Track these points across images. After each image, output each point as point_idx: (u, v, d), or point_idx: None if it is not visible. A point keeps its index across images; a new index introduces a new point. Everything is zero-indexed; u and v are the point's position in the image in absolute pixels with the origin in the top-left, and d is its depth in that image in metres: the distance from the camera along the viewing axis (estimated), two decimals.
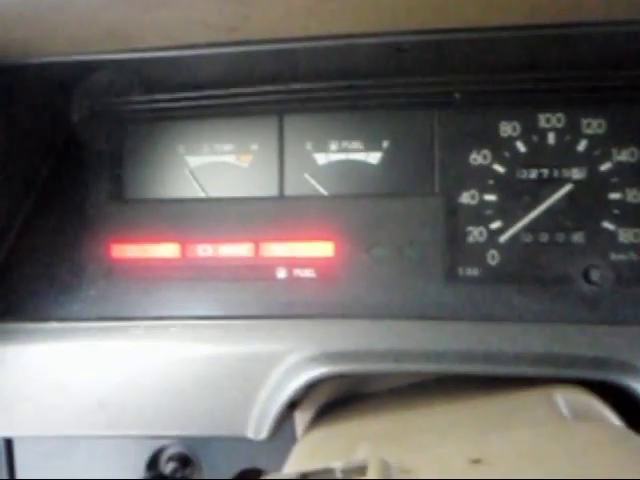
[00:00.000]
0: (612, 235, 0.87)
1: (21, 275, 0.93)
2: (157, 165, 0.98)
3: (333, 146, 0.95)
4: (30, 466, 0.95)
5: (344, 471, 0.55)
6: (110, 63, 0.85)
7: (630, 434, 0.60)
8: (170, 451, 0.93)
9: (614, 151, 0.88)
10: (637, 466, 0.50)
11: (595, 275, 0.84)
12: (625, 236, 0.87)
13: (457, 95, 0.90)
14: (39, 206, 0.96)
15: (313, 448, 0.72)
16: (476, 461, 0.54)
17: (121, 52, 0.80)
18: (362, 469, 0.54)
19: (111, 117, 0.99)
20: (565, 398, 0.69)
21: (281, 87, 0.93)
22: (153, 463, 0.93)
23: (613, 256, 0.86)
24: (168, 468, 0.92)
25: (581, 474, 0.49)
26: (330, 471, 0.55)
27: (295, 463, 0.68)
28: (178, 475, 0.91)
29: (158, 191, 0.98)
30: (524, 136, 0.90)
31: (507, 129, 0.90)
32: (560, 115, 0.89)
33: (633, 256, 0.86)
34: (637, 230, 0.87)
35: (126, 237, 0.96)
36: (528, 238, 0.89)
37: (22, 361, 0.82)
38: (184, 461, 0.93)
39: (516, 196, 0.89)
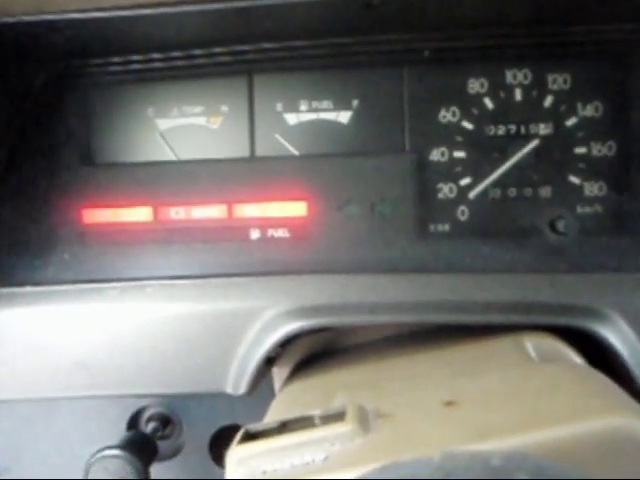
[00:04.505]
0: (578, 189, 0.89)
1: None
2: (127, 128, 0.97)
3: (303, 106, 0.95)
4: (8, 429, 0.95)
5: (323, 418, 0.56)
6: (73, 23, 0.82)
7: (592, 371, 0.62)
8: (150, 411, 0.95)
9: (579, 106, 0.89)
10: (598, 398, 0.53)
11: (561, 225, 0.87)
12: (590, 189, 0.89)
13: (426, 52, 0.91)
14: (8, 173, 0.94)
15: (291, 400, 0.73)
16: (450, 403, 0.57)
17: (84, 11, 0.79)
18: (340, 415, 0.55)
19: (77, 80, 0.97)
20: (533, 343, 0.71)
21: (249, 47, 0.93)
22: (133, 423, 0.94)
23: (579, 209, 0.89)
24: (148, 428, 0.93)
25: (548, 409, 0.52)
26: (309, 418, 0.57)
27: (274, 414, 0.70)
28: (158, 434, 0.93)
29: (128, 155, 0.97)
30: (492, 93, 0.90)
31: (475, 86, 0.91)
32: (526, 71, 0.90)
33: (598, 208, 0.89)
34: (601, 183, 0.89)
35: (97, 201, 0.95)
36: (497, 193, 0.90)
37: None
38: (164, 421, 0.94)
39: (485, 152, 0.91)
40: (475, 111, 0.91)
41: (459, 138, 0.91)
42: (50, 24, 0.81)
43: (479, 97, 0.91)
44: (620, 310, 0.74)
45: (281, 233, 0.93)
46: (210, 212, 0.94)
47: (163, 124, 0.97)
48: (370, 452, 0.51)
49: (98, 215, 0.95)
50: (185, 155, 0.96)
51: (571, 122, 0.89)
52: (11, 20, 0.80)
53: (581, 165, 0.89)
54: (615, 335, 0.74)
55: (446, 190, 0.91)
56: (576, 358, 0.69)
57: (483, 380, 0.62)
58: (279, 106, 0.95)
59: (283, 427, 0.57)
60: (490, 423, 0.51)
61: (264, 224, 0.93)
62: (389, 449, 0.50)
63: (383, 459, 0.47)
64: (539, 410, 0.52)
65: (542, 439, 0.48)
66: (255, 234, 0.93)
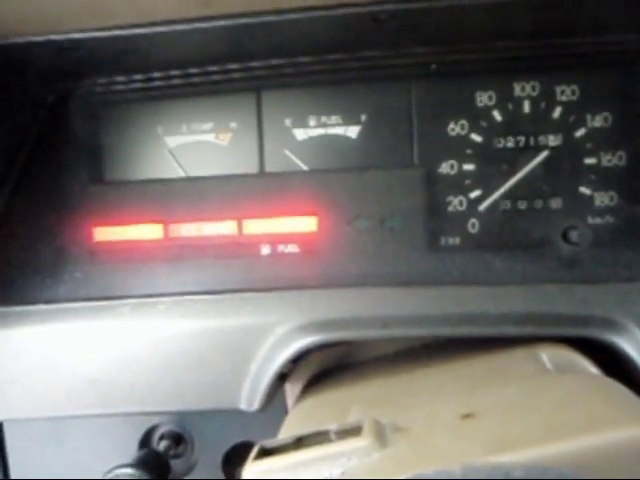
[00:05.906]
0: (589, 199, 0.89)
1: (5, 260, 0.92)
2: (136, 146, 0.98)
3: (312, 121, 0.95)
4: (21, 449, 0.95)
5: (339, 433, 0.56)
6: (82, 43, 0.83)
7: (609, 381, 0.62)
8: (162, 429, 0.94)
9: (588, 117, 0.89)
10: (618, 408, 0.52)
11: (574, 236, 0.86)
12: (601, 200, 0.89)
13: (433, 66, 0.91)
14: (19, 192, 0.95)
15: (305, 416, 0.73)
16: (467, 416, 0.56)
17: (96, 30, 0.79)
18: (357, 430, 0.55)
19: (86, 99, 0.98)
20: (549, 355, 0.71)
21: (258, 63, 0.93)
22: (145, 442, 0.94)
23: (590, 220, 0.88)
24: (161, 446, 0.92)
25: (566, 420, 0.51)
26: (325, 433, 0.56)
27: (288, 430, 0.69)
28: (171, 453, 0.92)
29: (138, 172, 0.98)
30: (500, 105, 0.91)
31: (483, 99, 0.91)
32: (535, 83, 0.90)
33: (609, 219, 0.88)
34: (612, 193, 0.89)
35: (108, 219, 0.96)
36: (507, 206, 0.90)
37: (11, 344, 0.81)
38: (176, 439, 0.94)
39: (494, 165, 0.91)
40: (484, 124, 0.91)
41: (468, 151, 0.91)
42: (59, 44, 0.82)
43: (487, 110, 0.91)
44: (635, 319, 0.74)
45: (291, 248, 0.93)
46: (220, 228, 0.94)
47: (172, 141, 0.97)
48: (388, 466, 0.50)
49: (109, 233, 0.95)
50: (194, 172, 0.97)
51: (580, 133, 0.89)
52: (20, 40, 0.81)
53: (591, 176, 0.89)
54: (631, 345, 0.73)
55: (456, 203, 0.91)
56: (592, 369, 0.68)
57: (500, 392, 0.61)
58: (288, 122, 0.95)
59: (299, 442, 0.56)
60: (508, 435, 0.51)
61: (274, 240, 0.93)
62: (407, 463, 0.50)
63: (401, 473, 0.46)
64: (557, 421, 0.51)
65: (561, 451, 0.47)
66: (265, 250, 0.93)
